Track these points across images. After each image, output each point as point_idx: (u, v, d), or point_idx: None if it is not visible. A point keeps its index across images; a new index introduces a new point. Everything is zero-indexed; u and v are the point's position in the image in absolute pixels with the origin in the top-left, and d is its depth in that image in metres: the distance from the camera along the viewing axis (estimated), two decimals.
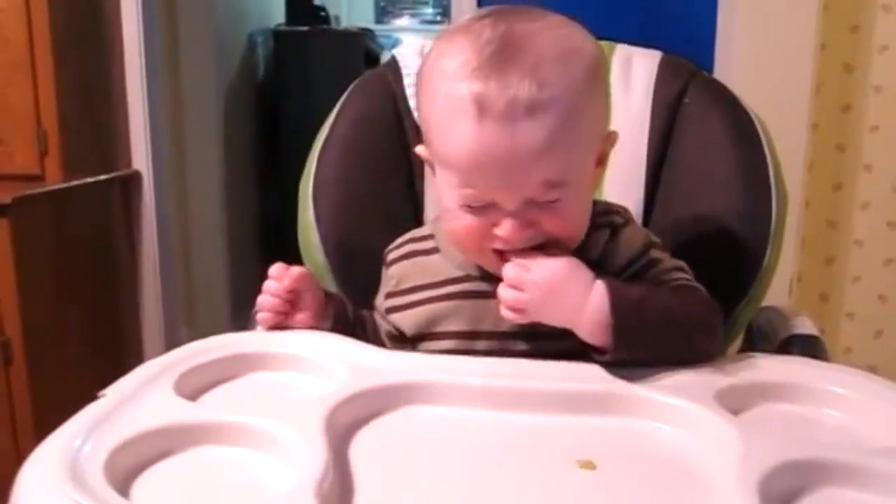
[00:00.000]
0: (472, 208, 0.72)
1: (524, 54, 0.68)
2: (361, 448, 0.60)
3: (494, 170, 0.68)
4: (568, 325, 0.70)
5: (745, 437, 0.59)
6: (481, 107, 0.67)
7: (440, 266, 0.81)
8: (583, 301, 0.69)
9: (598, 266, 0.74)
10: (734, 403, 0.65)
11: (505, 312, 0.72)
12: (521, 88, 0.66)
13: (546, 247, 0.72)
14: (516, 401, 0.66)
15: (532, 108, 0.66)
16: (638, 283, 0.76)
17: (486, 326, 0.78)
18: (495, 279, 0.74)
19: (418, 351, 0.81)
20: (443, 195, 0.75)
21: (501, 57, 0.67)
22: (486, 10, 0.74)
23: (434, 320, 0.80)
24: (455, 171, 0.71)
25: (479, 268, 0.79)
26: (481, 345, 0.78)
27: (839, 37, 1.67)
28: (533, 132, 0.67)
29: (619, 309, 0.68)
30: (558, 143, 0.68)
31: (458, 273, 0.80)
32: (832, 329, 1.75)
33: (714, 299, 0.76)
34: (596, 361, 0.70)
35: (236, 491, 0.55)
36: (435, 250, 0.83)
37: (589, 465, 0.59)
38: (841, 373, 0.72)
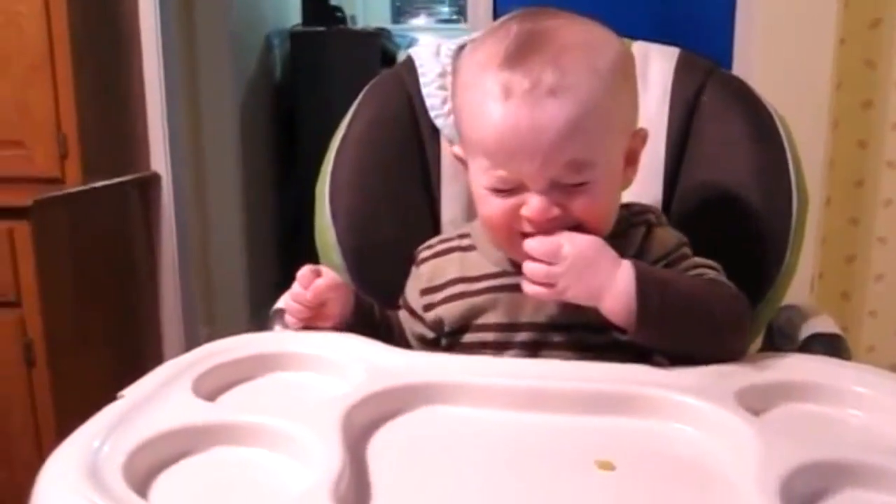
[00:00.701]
0: (501, 192, 0.74)
1: (548, 45, 0.71)
2: (379, 448, 0.60)
3: (520, 147, 0.70)
4: (593, 303, 0.71)
5: (766, 437, 0.58)
6: (507, 90, 0.70)
7: (477, 262, 0.83)
8: (610, 277, 0.70)
9: None
10: (755, 403, 0.65)
11: (530, 288, 0.72)
12: (545, 73, 0.70)
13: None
14: (534, 401, 0.66)
15: (554, 90, 0.70)
16: (664, 269, 0.77)
17: (525, 318, 0.78)
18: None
19: (457, 344, 0.82)
20: (475, 185, 0.77)
21: (526, 48, 0.71)
22: (514, 12, 0.77)
23: (472, 314, 0.81)
24: (484, 154, 0.73)
25: (516, 264, 0.78)
26: (521, 337, 0.79)
27: (860, 32, 1.65)
28: (556, 111, 0.69)
29: (644, 285, 0.69)
30: (582, 124, 0.70)
31: (495, 269, 0.81)
32: (854, 327, 1.72)
33: (744, 296, 0.76)
34: (618, 341, 0.71)
35: (253, 491, 0.55)
36: (472, 248, 0.84)
37: (607, 466, 0.58)
38: (864, 372, 0.72)
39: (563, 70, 0.70)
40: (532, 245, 0.71)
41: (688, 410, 0.64)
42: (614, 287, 0.70)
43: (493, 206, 0.75)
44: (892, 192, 1.66)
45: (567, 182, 0.72)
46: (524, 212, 0.73)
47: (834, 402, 0.68)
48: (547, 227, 0.72)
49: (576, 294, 0.71)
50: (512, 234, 0.75)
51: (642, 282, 0.69)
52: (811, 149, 1.59)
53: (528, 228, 0.73)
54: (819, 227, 1.70)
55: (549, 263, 0.70)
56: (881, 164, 1.65)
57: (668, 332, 0.70)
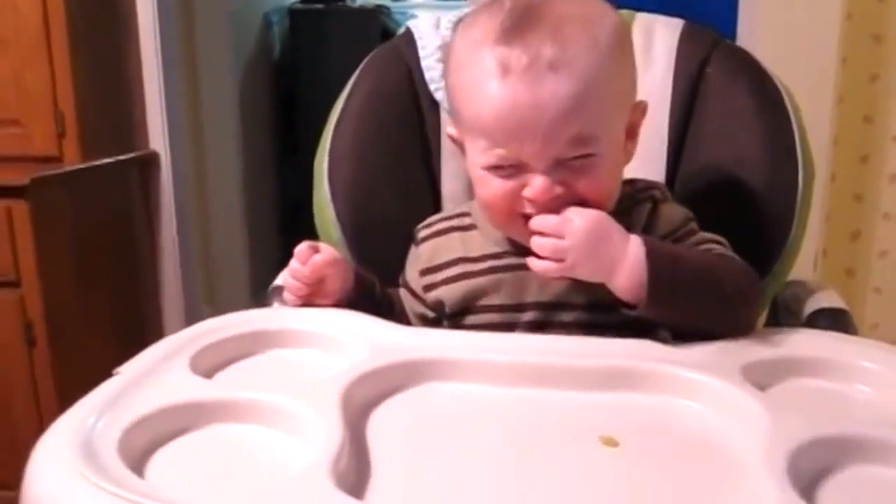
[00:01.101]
0: (501, 172, 0.72)
1: (545, 19, 0.69)
2: (379, 425, 0.60)
3: (521, 126, 0.69)
4: (602, 279, 0.70)
5: (773, 413, 0.57)
6: (505, 67, 0.68)
7: (478, 241, 0.81)
8: (620, 252, 0.68)
9: None
10: (761, 379, 0.64)
11: (538, 264, 0.70)
12: (544, 48, 0.68)
13: None
14: (537, 377, 0.65)
15: (554, 65, 0.68)
16: (673, 244, 0.76)
17: (530, 298, 0.77)
18: (533, 254, 0.73)
19: (460, 326, 0.80)
20: (472, 167, 0.76)
21: (522, 23, 0.69)
22: None
23: (474, 295, 0.79)
24: (483, 133, 0.72)
25: (517, 245, 0.78)
26: (526, 317, 0.77)
27: (866, 6, 1.62)
28: (557, 87, 0.68)
29: (655, 260, 0.68)
30: (583, 99, 0.69)
31: (497, 249, 0.80)
32: (859, 304, 1.71)
33: (753, 270, 0.75)
34: (625, 319, 0.70)
35: (251, 469, 0.54)
36: (472, 227, 0.83)
37: (611, 442, 0.57)
38: (870, 347, 0.71)
39: (561, 43, 0.68)
40: (539, 220, 0.70)
41: (693, 386, 0.63)
42: (624, 262, 0.68)
43: (493, 188, 0.73)
44: None
45: (569, 159, 0.70)
46: (526, 193, 0.71)
47: (840, 378, 0.67)
48: (550, 207, 0.71)
49: (585, 270, 0.70)
50: (513, 215, 0.73)
51: (652, 256, 0.68)
52: (816, 124, 1.56)
53: (529, 209, 0.72)
54: (823, 204, 1.68)
55: (558, 238, 0.69)
56: (887, 140, 1.63)
57: (679, 307, 0.69)
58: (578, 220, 0.69)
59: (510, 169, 0.72)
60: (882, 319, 1.70)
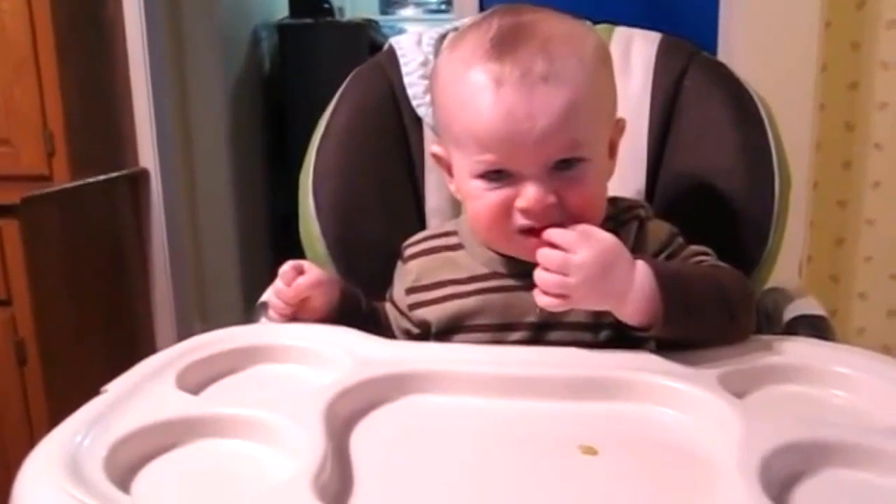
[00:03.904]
0: (492, 183, 0.72)
1: (533, 37, 0.71)
2: (362, 438, 0.60)
3: (515, 131, 0.70)
4: (609, 308, 0.69)
5: (748, 419, 0.58)
6: (498, 80, 0.70)
7: (465, 262, 0.81)
8: (628, 282, 0.67)
9: None
10: (738, 386, 0.65)
11: (542, 299, 0.68)
12: (534, 63, 0.70)
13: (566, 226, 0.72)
14: (516, 388, 0.66)
15: (545, 77, 0.70)
16: (672, 261, 0.77)
17: (519, 318, 0.77)
18: (522, 276, 0.74)
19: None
20: (462, 181, 0.76)
21: (511, 39, 0.71)
22: (491, 9, 0.77)
23: (462, 316, 0.79)
24: (476, 141, 0.72)
25: (506, 265, 0.78)
26: (514, 336, 0.77)
27: (845, 13, 1.65)
28: (549, 96, 0.70)
29: (665, 283, 0.67)
30: (574, 107, 0.70)
31: (484, 270, 0.80)
32: (844, 310, 1.73)
33: (744, 275, 0.77)
34: (613, 337, 0.70)
35: (236, 484, 0.55)
36: (459, 246, 0.83)
37: (591, 451, 0.58)
38: (847, 353, 0.72)
39: (551, 58, 0.70)
40: (544, 256, 0.68)
41: (671, 394, 0.64)
42: (632, 291, 0.67)
43: (484, 201, 0.73)
44: (879, 174, 1.66)
45: (561, 169, 0.71)
46: (519, 203, 0.71)
47: (817, 384, 0.68)
48: (542, 217, 0.71)
49: (591, 303, 0.69)
50: (505, 230, 0.74)
51: (662, 280, 0.67)
52: (798, 132, 1.59)
53: (522, 222, 0.72)
54: (807, 211, 1.70)
55: (563, 275, 0.67)
56: (868, 146, 1.65)
57: (693, 323, 0.69)
58: (583, 253, 0.67)
59: (502, 180, 0.72)
60: (868, 324, 1.71)
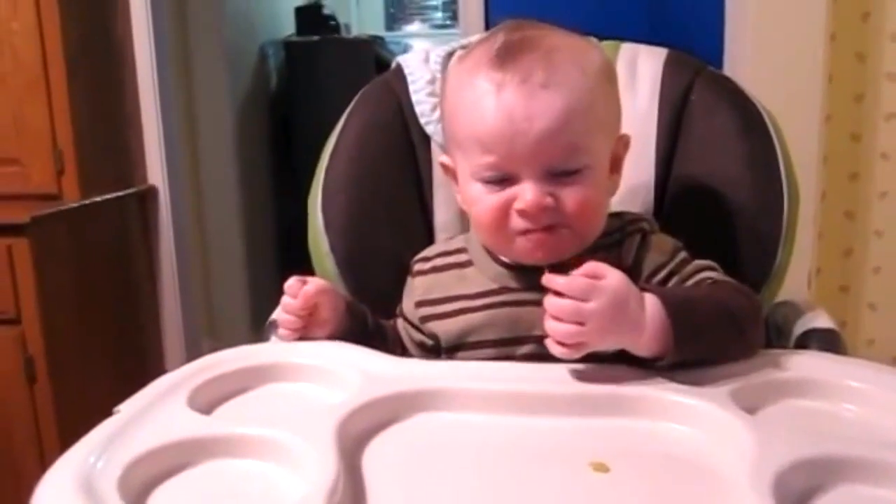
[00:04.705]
0: (493, 186, 0.74)
1: (536, 49, 0.74)
2: (374, 456, 0.60)
3: (515, 132, 0.72)
4: (624, 346, 0.67)
5: (760, 435, 0.58)
6: (500, 85, 0.73)
7: (475, 278, 0.82)
8: (640, 320, 0.66)
9: (633, 271, 0.76)
10: (750, 401, 0.65)
11: (557, 349, 0.66)
12: (536, 70, 0.72)
13: (560, 230, 0.73)
14: (528, 404, 0.66)
15: (547, 84, 0.72)
16: (676, 287, 0.77)
17: (527, 332, 0.77)
18: (532, 289, 0.75)
19: (456, 359, 0.81)
20: (466, 186, 0.78)
21: (515, 50, 0.74)
22: (499, 25, 0.80)
23: (471, 330, 0.80)
24: (478, 142, 0.74)
25: (515, 279, 0.79)
26: (523, 350, 0.78)
27: (850, 26, 1.65)
28: (549, 100, 0.72)
29: (673, 309, 0.67)
30: (573, 113, 0.72)
31: (494, 286, 0.81)
32: (854, 321, 1.72)
33: (750, 289, 0.77)
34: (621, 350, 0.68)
35: (248, 503, 0.55)
36: (469, 263, 0.84)
37: (602, 468, 0.58)
38: (858, 367, 0.72)
39: (552, 68, 0.73)
40: (555, 306, 0.65)
41: (683, 410, 0.64)
42: (645, 327, 0.66)
43: (485, 203, 0.75)
44: (887, 185, 1.66)
45: (560, 169, 0.73)
46: (518, 205, 0.73)
47: (829, 398, 0.68)
48: (539, 219, 0.73)
49: (607, 346, 0.67)
50: (505, 232, 0.75)
51: (671, 310, 0.67)
52: (805, 144, 1.59)
53: (521, 224, 0.74)
54: (815, 223, 1.70)
55: (577, 324, 0.65)
56: (875, 157, 1.65)
57: (704, 348, 0.69)
58: (596, 300, 0.65)
59: (503, 182, 0.74)
60: (878, 335, 1.70)
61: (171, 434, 0.61)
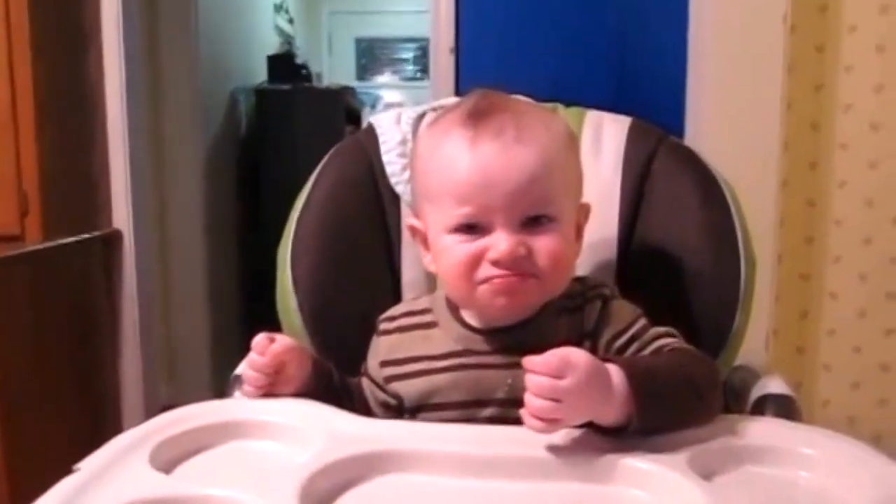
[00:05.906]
0: (465, 236, 0.76)
1: (507, 109, 0.78)
2: None
3: (490, 183, 0.74)
4: (594, 418, 0.68)
5: (716, 501, 0.59)
6: (474, 139, 0.76)
7: (439, 339, 0.83)
8: (609, 392, 0.67)
9: (593, 336, 0.79)
10: (707, 467, 0.66)
11: (534, 423, 0.66)
12: (508, 128, 0.76)
13: (529, 279, 0.75)
14: (491, 468, 0.66)
15: (519, 139, 0.75)
16: (637, 356, 0.78)
17: (490, 395, 0.78)
18: (495, 352, 0.78)
19: (419, 420, 0.81)
20: (437, 239, 0.79)
21: (486, 111, 0.77)
22: (468, 94, 0.83)
23: (433, 392, 0.81)
24: (452, 194, 0.76)
25: (479, 342, 0.81)
26: (485, 412, 0.78)
27: (804, 96, 1.72)
28: (524, 153, 0.75)
29: (636, 380, 0.68)
30: (544, 167, 0.76)
31: (458, 347, 0.82)
32: (810, 382, 1.76)
33: (708, 356, 0.79)
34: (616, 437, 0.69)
35: None
36: (434, 324, 0.85)
37: None
38: (813, 433, 0.73)
39: (523, 126, 0.76)
40: (534, 384, 0.66)
41: (640, 475, 0.65)
42: (612, 399, 0.67)
43: (456, 254, 0.76)
44: (840, 249, 1.71)
45: (534, 214, 0.75)
46: (491, 255, 0.75)
47: (784, 464, 0.69)
48: (513, 268, 0.74)
49: (580, 420, 0.68)
50: (471, 282, 0.76)
51: (634, 381, 0.68)
52: (762, 208, 1.65)
53: (490, 271, 0.75)
54: (773, 285, 1.74)
55: (554, 401, 0.65)
56: (829, 223, 1.71)
57: (665, 416, 0.70)
58: (571, 378, 0.65)
59: (475, 233, 0.76)
60: (832, 396, 1.74)
61: (130, 494, 0.60)
